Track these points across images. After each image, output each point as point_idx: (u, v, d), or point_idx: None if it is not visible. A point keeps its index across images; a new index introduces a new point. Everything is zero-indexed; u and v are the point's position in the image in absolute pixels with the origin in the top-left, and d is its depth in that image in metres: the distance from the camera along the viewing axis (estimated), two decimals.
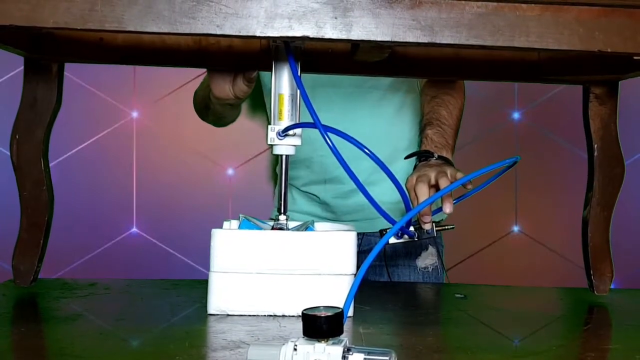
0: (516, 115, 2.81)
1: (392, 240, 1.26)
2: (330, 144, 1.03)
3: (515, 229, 2.83)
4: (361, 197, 1.61)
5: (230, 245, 1.12)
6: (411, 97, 1.72)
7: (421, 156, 1.47)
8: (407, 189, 1.36)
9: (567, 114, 2.59)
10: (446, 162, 1.44)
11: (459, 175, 1.33)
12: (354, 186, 1.62)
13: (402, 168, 1.66)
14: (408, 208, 1.18)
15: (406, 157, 1.49)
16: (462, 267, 2.78)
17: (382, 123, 1.67)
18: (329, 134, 1.05)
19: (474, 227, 2.67)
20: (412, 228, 1.26)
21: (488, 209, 2.80)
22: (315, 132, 1.58)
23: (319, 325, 0.76)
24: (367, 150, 1.07)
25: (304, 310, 0.78)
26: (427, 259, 1.71)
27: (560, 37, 0.90)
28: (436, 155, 1.45)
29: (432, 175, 1.33)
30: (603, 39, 0.90)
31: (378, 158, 1.08)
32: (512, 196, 2.81)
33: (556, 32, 0.90)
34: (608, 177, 1.29)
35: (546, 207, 2.81)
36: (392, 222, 1.12)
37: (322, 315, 0.76)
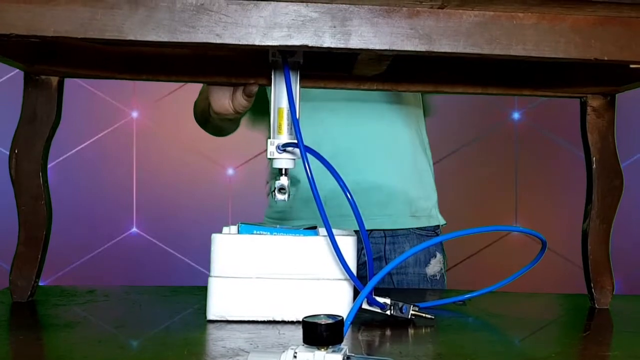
0: (516, 115, 2.82)
1: (364, 305, 1.15)
2: (308, 170, 1.03)
3: None
4: (364, 201, 1.62)
5: (230, 250, 1.13)
6: (416, 102, 1.73)
7: None
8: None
9: (567, 114, 2.60)
10: None
11: None
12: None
13: (409, 174, 1.67)
14: (365, 237, 1.09)
15: None
16: (462, 267, 2.79)
17: (387, 128, 1.67)
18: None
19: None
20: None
21: (488, 209, 2.81)
22: (322, 131, 1.58)
23: (319, 333, 0.77)
24: (341, 182, 1.06)
25: (305, 317, 0.78)
26: (435, 267, 1.71)
27: (557, 45, 0.90)
28: None
29: None
30: (599, 47, 0.91)
31: (345, 185, 1.06)
32: (512, 196, 2.82)
33: (552, 41, 0.90)
34: (607, 190, 1.29)
35: (546, 207, 2.82)
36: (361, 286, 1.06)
37: (323, 322, 0.77)
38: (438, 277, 1.70)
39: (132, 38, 0.89)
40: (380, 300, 1.14)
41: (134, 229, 2.66)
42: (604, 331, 1.20)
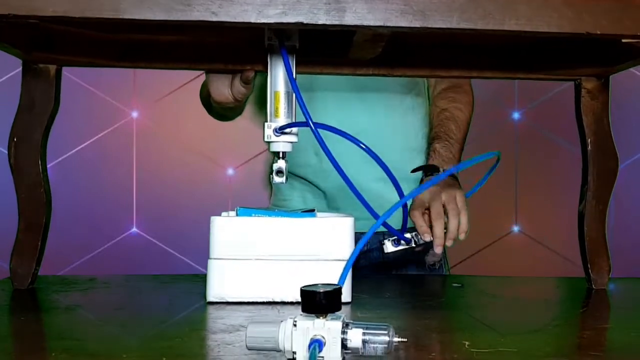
0: (516, 115, 2.82)
1: (391, 248, 1.33)
2: (320, 141, 1.04)
3: (515, 229, 2.84)
4: (370, 194, 1.61)
5: (229, 232, 1.13)
6: (419, 101, 1.72)
7: (427, 171, 1.52)
8: (412, 211, 1.44)
9: (567, 114, 2.59)
10: (452, 177, 1.49)
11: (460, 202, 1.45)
12: (364, 182, 1.63)
13: (409, 174, 1.67)
14: (405, 219, 1.20)
15: (412, 171, 1.54)
16: (463, 266, 2.78)
17: (390, 126, 1.67)
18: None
19: (474, 227, 2.67)
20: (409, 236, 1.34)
21: (488, 209, 2.81)
22: (329, 118, 1.58)
23: (318, 301, 0.77)
24: (362, 146, 1.08)
25: (303, 287, 0.79)
26: (435, 256, 1.71)
27: (550, 20, 0.91)
28: (442, 170, 1.50)
29: (444, 199, 1.44)
30: (591, 21, 0.92)
31: (375, 153, 1.08)
32: (512, 196, 2.82)
33: (545, 15, 0.91)
34: (602, 171, 1.30)
35: (546, 207, 2.81)
36: (377, 216, 1.13)
37: (321, 290, 0.77)
38: (437, 267, 1.70)
39: (129, 17, 0.90)
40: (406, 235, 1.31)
41: (134, 229, 2.66)
42: (601, 308, 1.21)
